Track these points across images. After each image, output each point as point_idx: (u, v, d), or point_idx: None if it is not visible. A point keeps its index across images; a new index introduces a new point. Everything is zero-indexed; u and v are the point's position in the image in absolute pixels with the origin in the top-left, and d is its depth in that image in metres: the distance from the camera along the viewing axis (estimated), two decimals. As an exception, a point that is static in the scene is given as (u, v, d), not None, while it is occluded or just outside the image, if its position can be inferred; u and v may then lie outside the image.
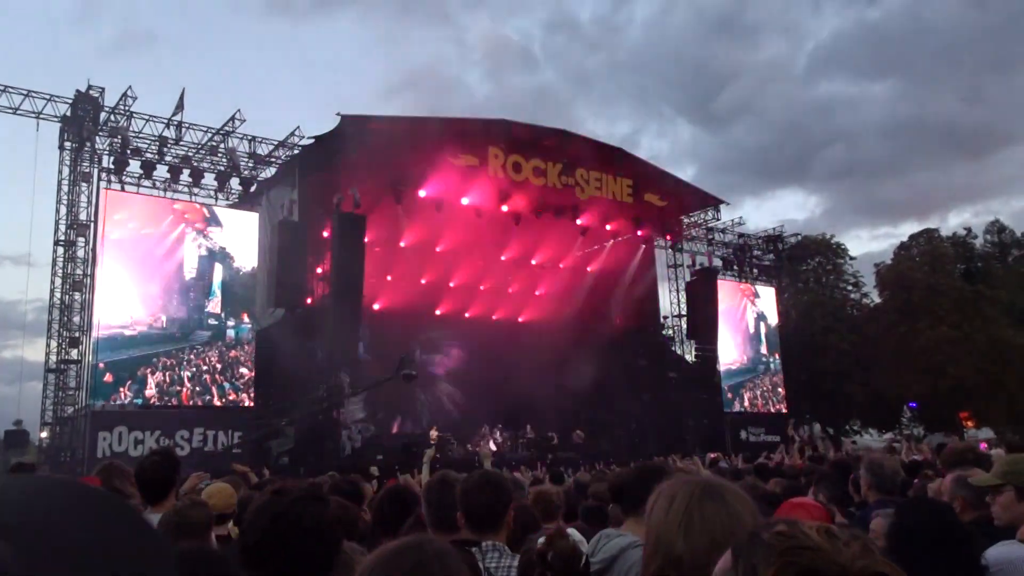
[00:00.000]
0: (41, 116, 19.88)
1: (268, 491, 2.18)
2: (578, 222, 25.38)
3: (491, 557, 2.83)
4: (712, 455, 16.63)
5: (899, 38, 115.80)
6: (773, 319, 32.49)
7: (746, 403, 30.41)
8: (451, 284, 26.64)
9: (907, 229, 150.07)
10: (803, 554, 0.86)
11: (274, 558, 1.91)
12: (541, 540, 2.17)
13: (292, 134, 21.68)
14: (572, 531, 2.36)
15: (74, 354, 19.63)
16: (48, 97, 19.93)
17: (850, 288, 41.71)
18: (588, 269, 28.49)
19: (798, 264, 38.59)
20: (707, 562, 1.34)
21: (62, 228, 20.13)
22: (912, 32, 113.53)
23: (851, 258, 41.96)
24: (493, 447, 23.13)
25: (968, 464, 4.11)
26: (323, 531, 1.98)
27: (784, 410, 31.61)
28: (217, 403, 19.81)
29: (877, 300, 41.14)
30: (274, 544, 1.91)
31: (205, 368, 19.86)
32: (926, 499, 4.36)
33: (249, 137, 21.57)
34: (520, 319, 29.05)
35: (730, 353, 30.16)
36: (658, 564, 1.50)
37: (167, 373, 19.16)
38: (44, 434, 20.81)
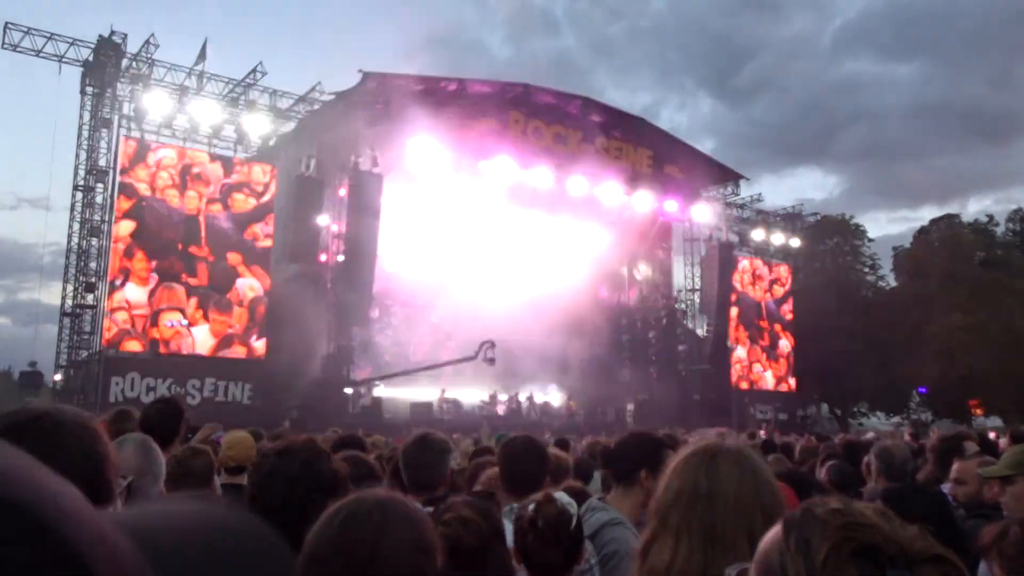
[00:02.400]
0: (63, 60, 19.84)
1: (274, 451, 2.17)
2: (596, 191, 25.22)
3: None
4: (719, 430, 16.65)
5: (928, 19, 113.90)
6: (784, 297, 32.33)
7: (755, 380, 30.39)
8: (465, 248, 26.56)
9: (926, 213, 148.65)
10: (862, 530, 0.84)
11: (291, 517, 1.91)
12: (530, 507, 2.17)
13: (313, 89, 21.55)
14: (560, 494, 2.36)
15: (90, 299, 19.78)
16: (71, 41, 19.89)
17: (867, 270, 41.45)
18: (603, 239, 28.35)
19: (816, 243, 38.29)
20: (673, 504, 1.47)
21: (81, 173, 20.17)
22: (942, 13, 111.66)
23: (869, 240, 41.67)
24: (500, 411, 23.31)
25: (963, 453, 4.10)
26: (338, 485, 1.99)
27: (793, 389, 31.61)
28: (230, 354, 19.99)
29: (893, 283, 40.90)
30: (290, 504, 1.91)
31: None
32: (917, 485, 4.35)
33: (270, 90, 21.47)
34: (532, 286, 28.98)
35: (740, 330, 30.10)
36: (649, 510, 1.57)
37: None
38: (58, 376, 21.07)
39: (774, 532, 0.92)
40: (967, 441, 4.83)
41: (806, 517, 0.89)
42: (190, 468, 3.12)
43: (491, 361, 21.86)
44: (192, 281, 19.74)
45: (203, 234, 20.09)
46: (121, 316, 18.86)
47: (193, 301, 19.74)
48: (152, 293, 19.28)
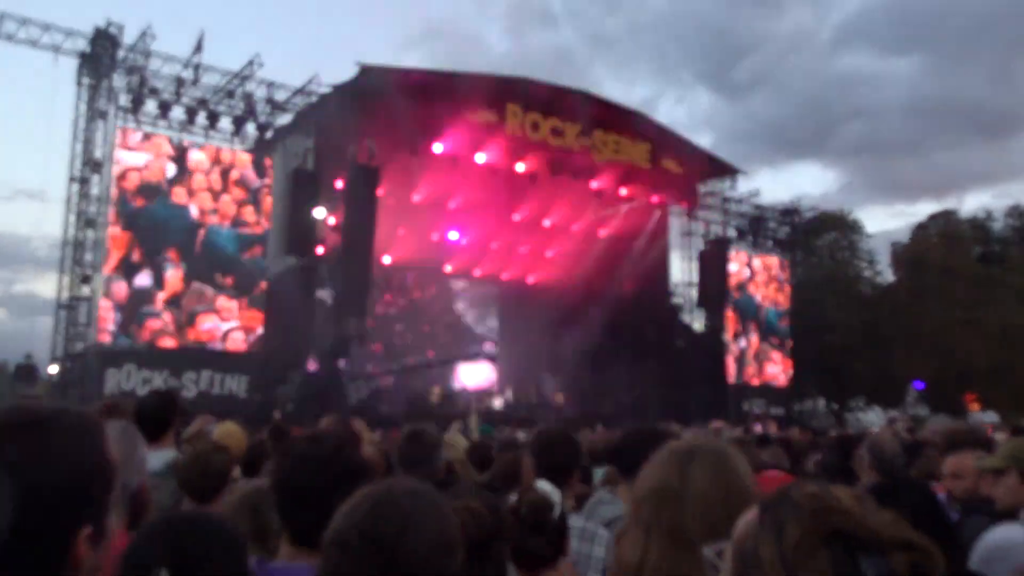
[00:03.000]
0: (59, 51, 19.79)
1: (304, 438, 2.20)
2: (593, 185, 25.18)
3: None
4: (716, 425, 16.64)
5: (926, 14, 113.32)
6: (782, 292, 32.34)
7: (751, 375, 30.40)
8: (461, 242, 26.60)
9: (923, 208, 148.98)
10: (835, 516, 0.84)
11: (318, 503, 1.94)
12: (512, 498, 2.17)
13: (310, 81, 21.50)
14: (541, 483, 2.37)
15: (85, 291, 19.75)
16: (67, 32, 19.84)
17: (864, 265, 41.48)
18: (600, 233, 28.35)
19: (813, 238, 38.30)
20: (643, 500, 1.49)
21: (77, 165, 20.13)
22: (940, 9, 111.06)
23: (867, 235, 41.70)
24: (501, 405, 23.35)
25: (972, 446, 4.08)
26: (365, 473, 2.01)
27: (790, 383, 31.64)
28: (226, 347, 19.99)
29: (891, 278, 40.93)
30: (315, 492, 1.92)
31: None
32: (908, 478, 4.35)
33: (267, 82, 21.40)
34: (529, 280, 29.02)
35: (737, 324, 30.11)
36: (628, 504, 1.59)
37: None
38: (54, 369, 21.05)
39: (751, 514, 0.92)
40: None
41: (781, 501, 0.89)
42: (208, 466, 3.11)
43: (491, 359, 22.21)
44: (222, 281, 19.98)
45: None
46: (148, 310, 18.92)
47: (224, 301, 19.98)
48: (182, 293, 19.39)
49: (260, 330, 20.51)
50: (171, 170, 19.63)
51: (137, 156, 19.26)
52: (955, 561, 2.51)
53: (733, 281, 29.34)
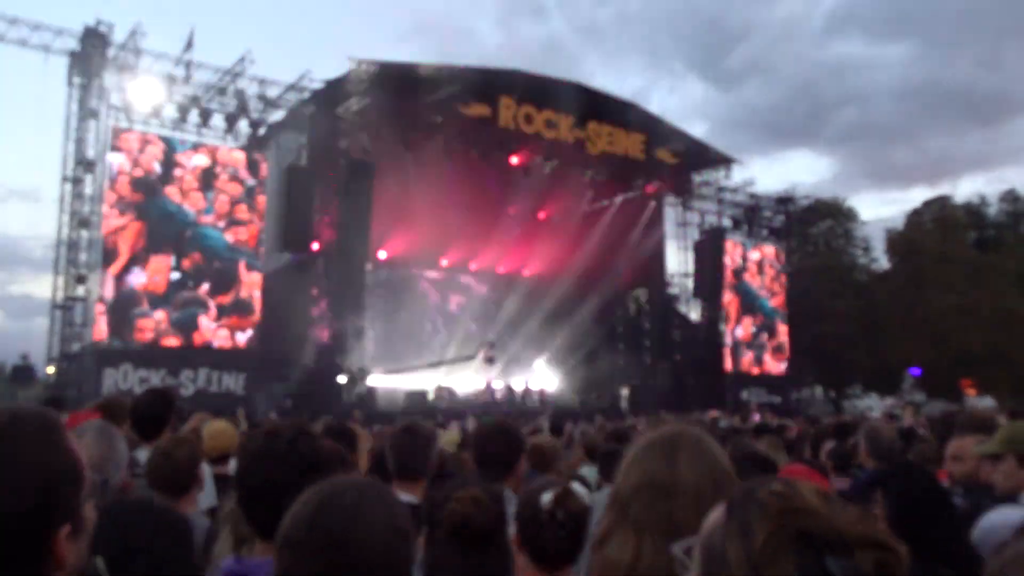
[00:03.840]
0: (49, 50, 19.69)
1: (261, 434, 2.18)
2: (588, 176, 25.18)
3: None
4: (713, 414, 16.70)
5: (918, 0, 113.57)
6: (778, 280, 32.38)
7: (748, 364, 30.45)
8: (457, 235, 26.53)
9: (917, 195, 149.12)
10: (800, 516, 0.84)
11: (276, 499, 1.91)
12: (546, 498, 2.13)
13: (303, 77, 21.42)
14: (576, 486, 2.35)
15: (80, 291, 19.71)
16: (57, 31, 19.72)
17: (859, 253, 41.55)
18: (596, 225, 28.35)
19: (808, 226, 38.34)
20: (632, 498, 1.45)
21: (70, 165, 20.04)
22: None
23: (862, 223, 41.76)
24: (497, 398, 23.37)
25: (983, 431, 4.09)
26: (321, 465, 1.98)
27: (787, 372, 31.70)
28: (223, 345, 19.97)
29: (886, 265, 41.02)
30: (275, 486, 1.91)
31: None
32: (909, 464, 4.36)
33: (259, 79, 21.33)
34: (525, 273, 29.01)
35: (734, 314, 30.16)
36: (608, 499, 1.54)
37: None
38: (51, 369, 21.01)
39: (718, 513, 0.92)
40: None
41: (747, 500, 0.90)
42: (174, 459, 3.10)
43: (490, 360, 22.30)
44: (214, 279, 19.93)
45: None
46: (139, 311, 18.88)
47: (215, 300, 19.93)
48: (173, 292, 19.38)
49: (253, 329, 20.47)
50: (160, 169, 19.58)
51: (127, 157, 19.22)
52: (961, 544, 2.52)
53: (730, 270, 29.36)
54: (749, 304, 30.86)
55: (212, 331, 19.86)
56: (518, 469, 3.18)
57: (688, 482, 1.43)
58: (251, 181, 20.73)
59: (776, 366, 31.43)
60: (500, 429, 3.23)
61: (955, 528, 2.62)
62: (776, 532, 0.83)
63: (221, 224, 20.17)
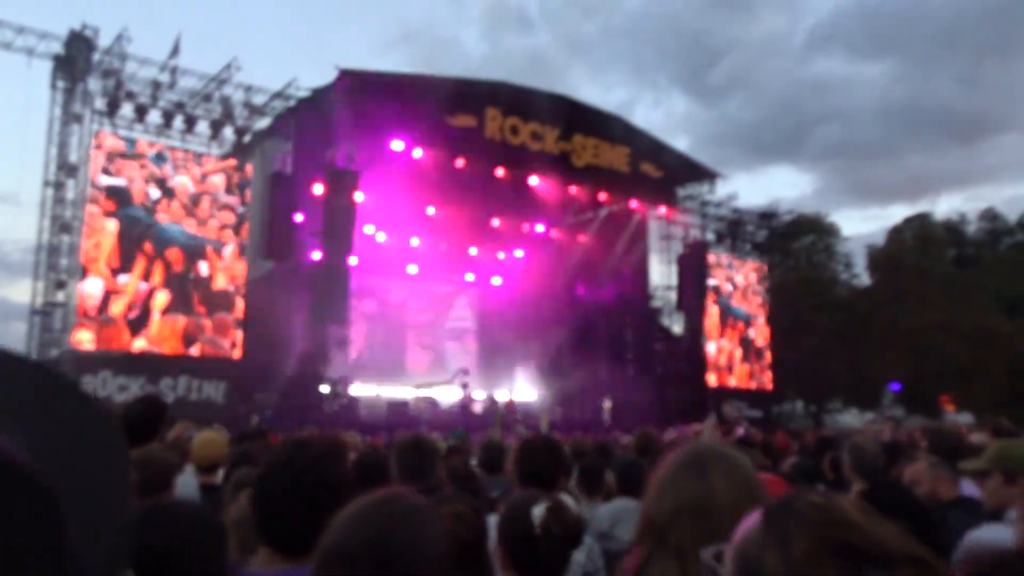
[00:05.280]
0: (33, 53, 19.54)
1: (288, 444, 2.17)
2: (573, 189, 25.23)
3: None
4: (696, 428, 16.72)
5: (898, 19, 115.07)
6: (760, 295, 32.55)
7: (730, 378, 30.55)
8: (441, 245, 26.50)
9: (896, 211, 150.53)
10: (842, 528, 0.83)
11: (293, 511, 1.90)
12: (538, 511, 2.11)
13: (289, 85, 21.39)
14: (568, 499, 2.34)
15: (60, 296, 19.50)
16: (41, 34, 19.58)
17: (841, 268, 41.90)
18: (580, 237, 28.41)
19: (790, 242, 38.61)
20: (671, 523, 1.42)
21: (52, 169, 19.87)
22: (912, 13, 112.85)
23: (844, 238, 42.15)
24: (477, 411, 23.28)
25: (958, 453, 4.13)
26: (342, 487, 1.96)
27: (769, 387, 31.84)
28: (204, 352, 19.80)
29: (867, 281, 41.37)
30: (294, 498, 1.89)
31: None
32: (890, 481, 4.39)
33: (245, 86, 21.27)
34: (508, 284, 29.00)
35: (716, 327, 30.27)
36: (640, 526, 1.52)
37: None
38: (28, 376, 20.73)
39: (753, 522, 0.91)
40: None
41: (787, 511, 0.88)
42: (152, 462, 3.06)
43: (464, 386, 22.41)
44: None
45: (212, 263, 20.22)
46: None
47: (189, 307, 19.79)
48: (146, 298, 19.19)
49: (236, 337, 20.33)
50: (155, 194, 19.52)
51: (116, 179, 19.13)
52: (947, 564, 2.52)
53: (711, 283, 29.47)
54: (731, 318, 30.99)
55: (179, 338, 19.66)
56: (560, 486, 3.22)
57: (725, 499, 1.41)
58: (240, 208, 20.66)
59: (758, 380, 31.55)
60: (547, 445, 3.25)
61: (938, 547, 2.63)
62: (817, 543, 0.82)
63: (191, 227, 20.09)
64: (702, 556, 1.06)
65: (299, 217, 20.68)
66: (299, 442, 2.09)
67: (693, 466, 1.49)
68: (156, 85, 20.06)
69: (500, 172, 23.45)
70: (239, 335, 20.40)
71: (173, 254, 19.58)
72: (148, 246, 19.26)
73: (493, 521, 2.32)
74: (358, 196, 20.44)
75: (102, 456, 0.56)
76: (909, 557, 0.80)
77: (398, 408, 21.46)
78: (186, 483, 3.71)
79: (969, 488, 3.57)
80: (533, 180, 23.99)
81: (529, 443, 3.25)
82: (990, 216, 43.62)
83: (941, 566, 0.83)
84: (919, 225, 41.07)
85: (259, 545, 1.98)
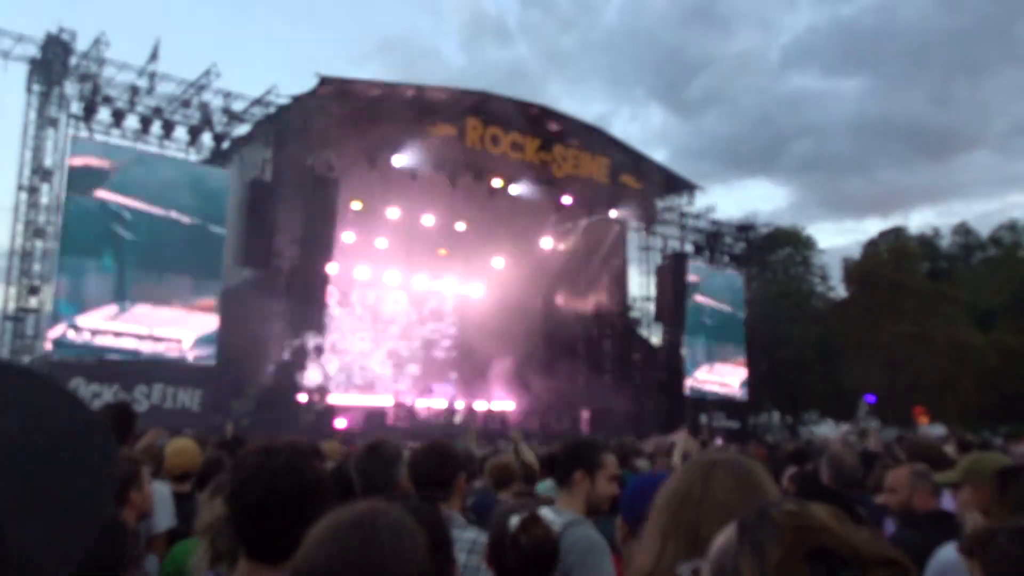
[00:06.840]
0: (8, 56, 19.31)
1: (258, 450, 2.13)
2: (552, 200, 25.28)
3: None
4: (673, 437, 16.78)
5: (871, 36, 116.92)
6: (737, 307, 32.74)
7: (709, 388, 30.66)
8: (420, 254, 26.41)
9: (871, 225, 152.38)
10: (814, 534, 0.84)
11: (274, 516, 1.87)
12: (514, 522, 2.11)
13: (268, 92, 21.28)
14: (545, 511, 2.33)
15: (33, 302, 19.24)
16: (17, 37, 19.36)
17: (817, 281, 42.27)
18: (559, 248, 28.45)
19: (768, 254, 38.91)
20: (663, 507, 1.49)
21: (26, 173, 19.63)
22: (884, 31, 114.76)
23: (820, 251, 42.54)
24: (456, 421, 23.23)
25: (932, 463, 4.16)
26: (321, 486, 1.95)
27: (746, 397, 31.99)
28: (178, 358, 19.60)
29: (843, 294, 41.76)
30: (274, 503, 1.87)
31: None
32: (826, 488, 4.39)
33: (224, 92, 21.14)
34: (487, 294, 28.98)
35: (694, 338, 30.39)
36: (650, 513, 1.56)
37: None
38: None
39: (728, 532, 0.92)
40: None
41: (761, 519, 0.89)
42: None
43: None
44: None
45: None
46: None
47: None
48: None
49: (211, 346, 20.14)
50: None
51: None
52: None
53: (689, 295, 29.61)
54: (708, 329, 31.09)
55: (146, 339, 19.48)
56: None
57: (718, 499, 1.44)
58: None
59: (735, 391, 31.70)
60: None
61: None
62: (792, 550, 0.83)
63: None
64: (678, 570, 1.06)
65: (278, 225, 20.56)
66: (267, 448, 2.06)
67: (702, 467, 1.55)
68: (134, 90, 19.89)
69: (480, 182, 23.45)
70: (211, 347, 20.17)
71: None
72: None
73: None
74: (337, 203, 20.36)
75: (76, 455, 0.56)
76: (882, 560, 0.81)
77: (375, 418, 21.35)
78: (159, 492, 3.66)
79: (949, 502, 3.54)
80: (513, 190, 24.00)
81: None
82: (963, 231, 44.24)
83: (914, 569, 0.84)
84: (894, 239, 41.55)
85: (238, 554, 1.95)
